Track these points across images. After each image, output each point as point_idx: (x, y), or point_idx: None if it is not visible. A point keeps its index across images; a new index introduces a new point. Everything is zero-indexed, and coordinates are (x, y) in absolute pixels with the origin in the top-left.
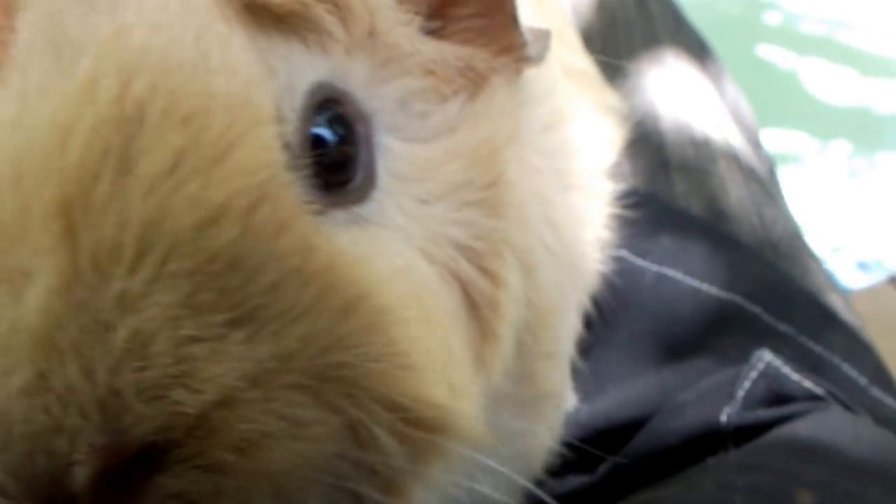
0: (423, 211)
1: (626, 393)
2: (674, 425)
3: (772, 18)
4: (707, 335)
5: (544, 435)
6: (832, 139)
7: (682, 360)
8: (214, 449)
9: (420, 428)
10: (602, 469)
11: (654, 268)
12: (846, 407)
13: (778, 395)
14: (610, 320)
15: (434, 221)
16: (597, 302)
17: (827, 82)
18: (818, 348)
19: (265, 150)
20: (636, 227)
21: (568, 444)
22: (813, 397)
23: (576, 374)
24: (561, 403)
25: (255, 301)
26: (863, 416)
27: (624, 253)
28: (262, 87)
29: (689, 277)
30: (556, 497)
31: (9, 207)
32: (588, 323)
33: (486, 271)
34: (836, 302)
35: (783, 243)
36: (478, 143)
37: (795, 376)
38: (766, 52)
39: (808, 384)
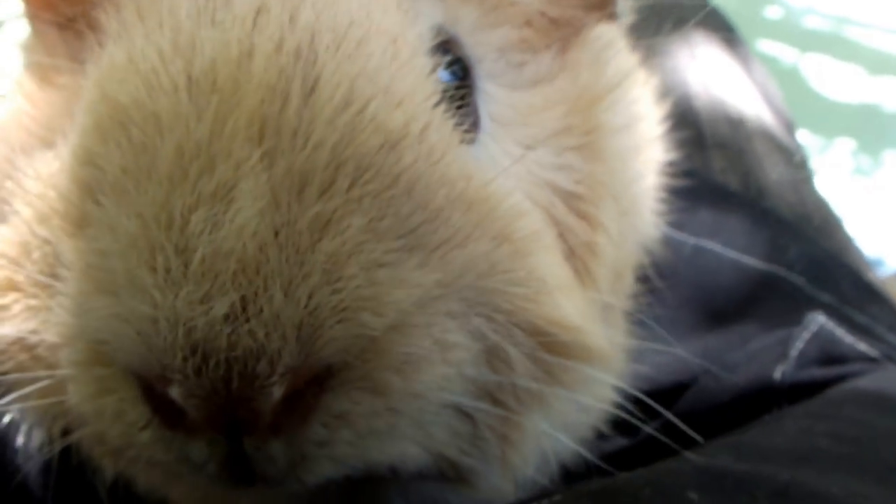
0: (527, 155)
1: (669, 357)
2: (725, 384)
3: (773, 13)
4: (748, 303)
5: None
6: (836, 137)
7: (723, 327)
8: (379, 370)
9: (556, 351)
10: (646, 430)
11: (692, 240)
12: None
13: (831, 357)
14: (651, 287)
15: (536, 166)
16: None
17: (831, 79)
18: (863, 319)
19: (428, 79)
20: (674, 200)
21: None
22: (867, 359)
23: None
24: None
25: (426, 227)
26: None
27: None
28: (413, 21)
29: (730, 250)
30: (603, 458)
31: (202, 126)
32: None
33: (584, 216)
34: (874, 280)
35: (821, 221)
36: (579, 91)
37: (849, 338)
38: (767, 47)
39: (862, 346)
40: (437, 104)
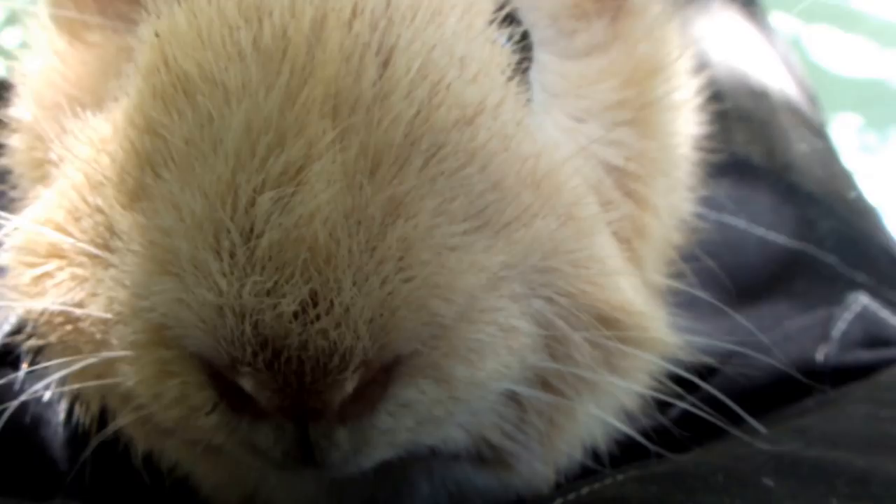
0: (578, 129)
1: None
2: (760, 365)
3: None
4: (776, 282)
5: None
6: (841, 112)
7: (751, 307)
8: (446, 358)
9: (619, 338)
10: (674, 411)
11: (714, 215)
12: None
13: (876, 339)
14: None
15: (587, 140)
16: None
17: (835, 51)
18: None
19: (501, 51)
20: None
21: None
22: None
23: None
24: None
25: (495, 206)
26: None
27: None
28: None
29: (755, 226)
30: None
31: (272, 98)
32: None
33: (632, 195)
34: None
35: (852, 197)
36: (635, 63)
37: (895, 320)
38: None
39: None
40: (510, 77)
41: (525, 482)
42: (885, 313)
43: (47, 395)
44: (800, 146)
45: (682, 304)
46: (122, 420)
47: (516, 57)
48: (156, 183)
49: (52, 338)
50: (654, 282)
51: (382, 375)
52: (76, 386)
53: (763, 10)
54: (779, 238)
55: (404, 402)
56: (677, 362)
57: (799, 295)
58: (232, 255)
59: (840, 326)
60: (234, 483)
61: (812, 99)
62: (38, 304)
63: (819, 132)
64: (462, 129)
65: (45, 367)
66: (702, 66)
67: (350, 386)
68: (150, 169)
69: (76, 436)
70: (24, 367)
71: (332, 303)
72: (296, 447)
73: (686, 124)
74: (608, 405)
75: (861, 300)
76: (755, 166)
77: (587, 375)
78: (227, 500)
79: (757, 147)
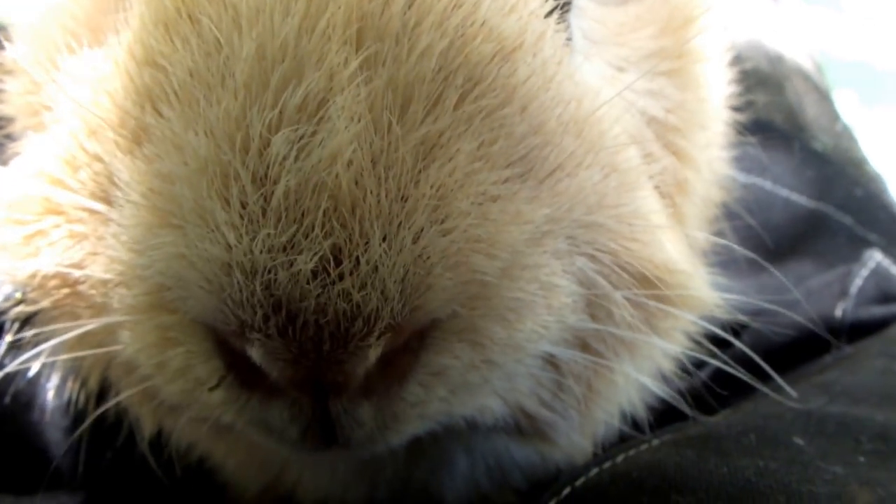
0: (618, 78)
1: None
2: (785, 323)
3: None
4: (800, 242)
5: None
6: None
7: (777, 265)
8: (485, 319)
9: (660, 298)
10: (706, 371)
11: (742, 177)
12: None
13: (887, 294)
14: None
15: (627, 90)
16: None
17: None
18: None
19: None
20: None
21: None
22: None
23: None
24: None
25: (537, 152)
26: None
27: None
28: None
29: (779, 187)
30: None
31: (290, 22)
32: None
33: (673, 148)
34: None
35: (858, 160)
36: (670, 11)
37: None
38: None
39: None
40: (549, 13)
41: (564, 455)
42: (895, 270)
43: (34, 371)
44: (812, 110)
45: (716, 262)
46: (126, 394)
47: None
48: (157, 122)
49: (46, 303)
50: (695, 239)
51: (415, 341)
52: (73, 355)
53: None
54: (801, 199)
55: (437, 370)
56: (713, 320)
57: (820, 254)
58: (242, 205)
59: (857, 283)
60: (257, 465)
61: (818, 66)
62: (30, 266)
63: (826, 97)
64: (500, 65)
65: (36, 338)
66: (723, 27)
67: (374, 354)
68: (150, 107)
69: (72, 421)
70: (8, 338)
71: (356, 261)
72: (315, 425)
73: (719, 78)
74: (646, 367)
75: (875, 256)
76: (777, 128)
77: (627, 336)
78: (249, 486)
79: (777, 110)
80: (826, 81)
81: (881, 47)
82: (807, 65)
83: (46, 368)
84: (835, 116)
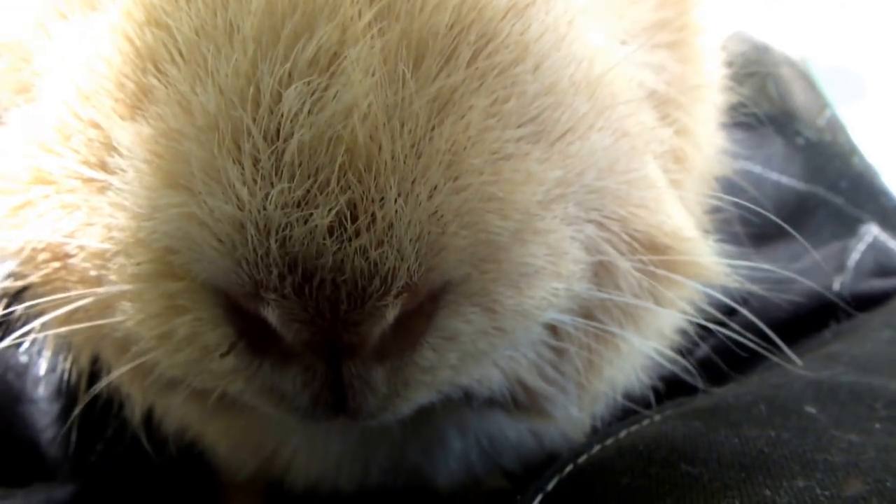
0: (620, 51)
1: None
2: (783, 297)
3: None
4: (792, 223)
5: None
6: None
7: (769, 246)
8: (496, 283)
9: (668, 266)
10: (703, 347)
11: (732, 160)
12: None
13: (885, 268)
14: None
15: (629, 62)
16: None
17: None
18: None
19: None
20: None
21: None
22: None
23: None
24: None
25: (550, 112)
26: None
27: None
28: None
29: (768, 171)
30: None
31: None
32: None
33: (672, 121)
34: None
35: (846, 144)
36: None
37: None
38: None
39: None
40: None
41: (560, 431)
42: (892, 244)
43: (25, 349)
44: (800, 98)
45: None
46: (119, 371)
47: None
48: (161, 84)
49: (35, 278)
50: (695, 211)
51: (429, 303)
52: (66, 329)
53: None
54: (791, 181)
55: (450, 335)
56: (718, 289)
57: (811, 234)
58: (255, 161)
59: (854, 257)
60: (250, 446)
61: (804, 58)
62: (18, 238)
63: (813, 85)
64: (513, 21)
65: (26, 313)
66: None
67: (391, 315)
68: (153, 68)
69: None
70: None
71: (373, 216)
72: (327, 392)
73: (716, 54)
74: (651, 337)
75: (872, 230)
76: (765, 115)
77: (633, 304)
78: (243, 466)
79: (765, 97)
80: (810, 70)
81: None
82: (794, 55)
83: (36, 357)
84: (823, 104)
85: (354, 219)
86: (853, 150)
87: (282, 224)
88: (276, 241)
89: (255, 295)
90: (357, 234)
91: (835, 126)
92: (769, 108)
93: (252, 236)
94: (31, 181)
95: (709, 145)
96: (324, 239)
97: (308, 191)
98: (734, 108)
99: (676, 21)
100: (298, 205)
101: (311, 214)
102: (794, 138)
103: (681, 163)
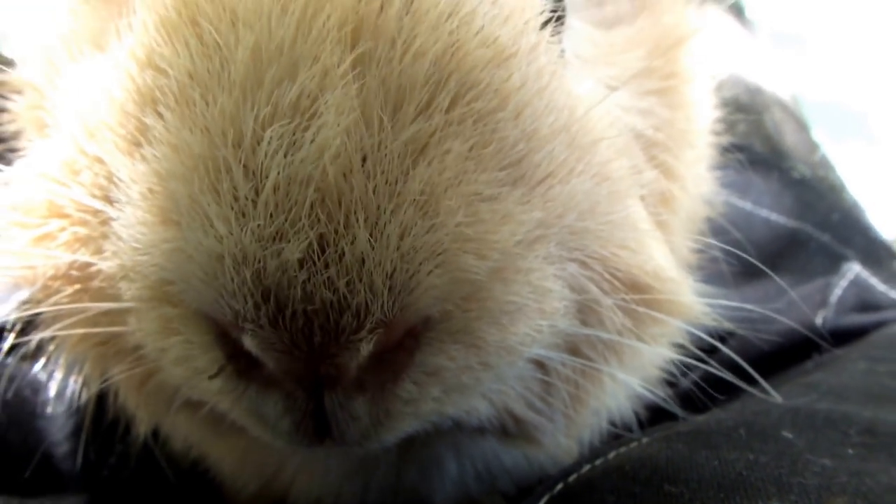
0: (607, 97)
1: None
2: (768, 330)
3: None
4: (780, 258)
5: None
6: None
7: (758, 281)
8: (479, 321)
9: (650, 304)
10: (690, 377)
11: (723, 197)
12: None
13: (866, 304)
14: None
15: (618, 108)
16: None
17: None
18: (883, 274)
19: None
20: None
21: None
22: None
23: None
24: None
25: (530, 158)
26: None
27: None
28: None
29: (759, 208)
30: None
31: (286, 23)
32: None
33: (660, 164)
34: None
35: (834, 182)
36: (661, 32)
37: (882, 286)
38: None
39: (895, 294)
40: (545, 24)
41: (550, 457)
42: (874, 280)
43: (40, 367)
44: (791, 138)
45: (700, 276)
46: (123, 380)
47: (551, 4)
48: (157, 124)
49: (51, 304)
50: (680, 252)
51: (410, 340)
52: (80, 331)
53: (750, 19)
54: (780, 219)
55: (432, 370)
56: (699, 327)
57: (799, 270)
58: (234, 198)
59: (836, 293)
60: (253, 466)
61: (795, 98)
62: (39, 268)
63: (805, 127)
64: (494, 71)
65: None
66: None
67: (366, 349)
68: (151, 108)
69: (75, 426)
70: (11, 337)
71: (342, 252)
72: (309, 419)
73: (706, 100)
74: (635, 371)
75: (854, 268)
76: (756, 154)
77: (617, 341)
78: (246, 485)
79: (756, 136)
80: (802, 111)
81: (848, 87)
82: (785, 96)
83: (49, 375)
84: (813, 146)
85: (323, 252)
86: (842, 190)
87: (257, 257)
88: (252, 272)
89: (236, 324)
90: (326, 266)
91: (826, 164)
92: (760, 146)
93: (229, 268)
94: (47, 214)
95: (696, 188)
96: (294, 271)
97: (281, 226)
98: (726, 150)
99: (665, 68)
100: (273, 239)
101: (283, 248)
102: (789, 172)
103: (668, 205)
